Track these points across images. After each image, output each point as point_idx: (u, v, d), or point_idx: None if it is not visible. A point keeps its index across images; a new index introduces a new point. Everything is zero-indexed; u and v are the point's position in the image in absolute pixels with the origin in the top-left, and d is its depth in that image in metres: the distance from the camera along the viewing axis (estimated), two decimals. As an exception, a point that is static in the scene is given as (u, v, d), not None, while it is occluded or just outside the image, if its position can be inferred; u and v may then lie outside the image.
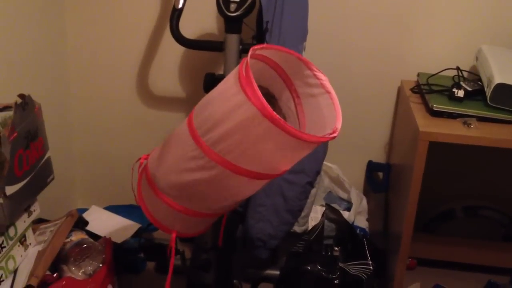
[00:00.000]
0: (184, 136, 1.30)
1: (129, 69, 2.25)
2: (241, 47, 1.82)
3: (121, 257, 1.93)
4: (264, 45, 1.28)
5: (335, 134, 1.24)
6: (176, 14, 1.84)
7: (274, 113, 1.13)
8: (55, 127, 2.08)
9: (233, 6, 1.75)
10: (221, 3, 1.76)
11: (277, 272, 2.00)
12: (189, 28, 1.95)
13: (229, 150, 1.22)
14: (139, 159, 1.50)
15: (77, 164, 2.42)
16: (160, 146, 1.44)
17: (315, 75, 1.36)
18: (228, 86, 1.23)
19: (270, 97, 1.41)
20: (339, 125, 1.27)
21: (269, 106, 1.12)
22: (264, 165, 1.27)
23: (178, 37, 1.86)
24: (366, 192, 2.33)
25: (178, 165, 1.34)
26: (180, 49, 1.99)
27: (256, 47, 1.25)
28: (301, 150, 1.25)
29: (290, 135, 1.15)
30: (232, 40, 1.80)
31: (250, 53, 1.21)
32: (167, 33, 2.04)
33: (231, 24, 1.79)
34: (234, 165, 1.24)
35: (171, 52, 2.19)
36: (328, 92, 1.35)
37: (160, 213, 1.46)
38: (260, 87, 1.16)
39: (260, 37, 1.87)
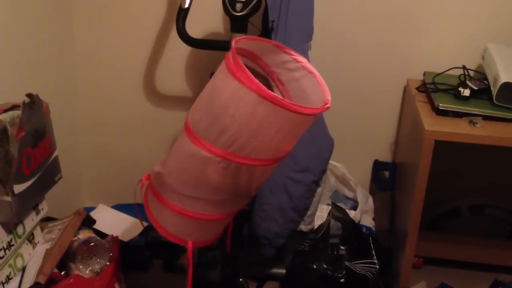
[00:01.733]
0: (191, 149, 1.32)
1: (136, 69, 2.26)
2: (247, 46, 1.83)
3: (128, 255, 1.94)
4: (243, 36, 1.31)
5: (328, 105, 1.26)
6: (182, 13, 1.85)
7: (270, 92, 1.16)
8: (63, 126, 2.09)
9: (239, 6, 1.76)
10: (227, 3, 1.76)
11: (283, 271, 2.01)
12: (195, 27, 1.96)
13: (241, 147, 1.26)
14: (140, 180, 1.51)
15: (85, 163, 2.43)
16: (164, 160, 1.45)
17: (294, 59, 1.38)
18: (219, 82, 1.26)
19: None
20: (328, 96, 1.29)
21: (264, 86, 1.15)
22: (273, 150, 1.31)
23: (184, 37, 1.87)
24: (372, 191, 2.33)
25: (191, 176, 1.37)
26: (186, 48, 2.00)
27: (237, 38, 1.28)
28: (301, 125, 1.29)
29: (290, 110, 1.18)
30: (238, 40, 1.81)
31: (233, 43, 1.24)
32: (174, 33, 2.05)
33: (237, 24, 1.80)
34: (247, 158, 1.28)
35: (178, 52, 2.20)
36: (311, 72, 1.36)
37: (173, 225, 1.49)
38: None
39: (265, 36, 1.88)
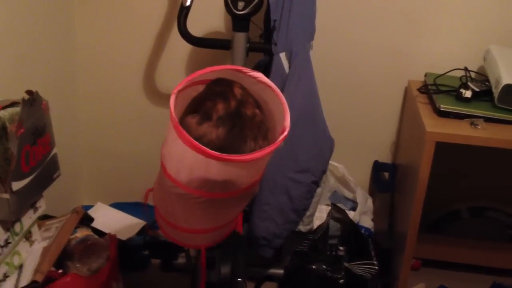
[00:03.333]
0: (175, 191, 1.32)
1: (136, 67, 2.25)
2: (248, 45, 1.82)
3: (126, 254, 1.94)
4: (182, 82, 1.26)
5: (285, 132, 1.20)
6: (183, 12, 1.84)
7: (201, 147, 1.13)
8: (62, 123, 2.08)
9: (240, 4, 1.75)
10: (229, 1, 1.76)
11: (282, 271, 2.00)
12: (197, 26, 1.95)
13: (213, 187, 1.25)
14: (147, 193, 1.52)
15: (84, 161, 2.42)
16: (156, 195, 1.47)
17: (250, 75, 1.30)
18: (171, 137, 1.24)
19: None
20: (287, 121, 1.22)
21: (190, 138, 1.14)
22: (243, 185, 1.30)
23: (186, 35, 1.86)
24: (371, 192, 2.32)
25: (184, 211, 1.39)
26: (187, 47, 2.00)
27: (178, 87, 1.25)
28: (252, 166, 1.26)
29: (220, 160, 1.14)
30: (240, 39, 1.80)
31: (172, 97, 1.23)
32: (175, 31, 2.03)
33: (239, 22, 1.79)
34: (224, 193, 1.28)
35: (179, 50, 2.19)
36: (269, 86, 1.29)
37: (182, 238, 1.53)
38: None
39: (267, 35, 1.87)
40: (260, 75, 1.30)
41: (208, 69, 1.27)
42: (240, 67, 1.31)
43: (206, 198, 1.27)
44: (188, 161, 1.19)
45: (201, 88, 1.33)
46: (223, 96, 1.26)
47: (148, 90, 2.29)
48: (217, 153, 1.13)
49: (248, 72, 1.30)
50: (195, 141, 1.13)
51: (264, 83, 1.29)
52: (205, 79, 1.32)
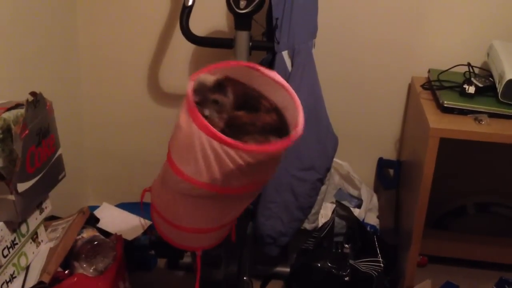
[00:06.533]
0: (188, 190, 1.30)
1: (140, 67, 2.26)
2: (251, 44, 1.83)
3: (132, 254, 1.94)
4: (201, 70, 1.26)
5: (299, 128, 1.19)
6: (186, 11, 1.85)
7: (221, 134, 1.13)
8: (67, 124, 2.09)
9: (242, 3, 1.75)
10: (231, 0, 1.76)
11: (288, 269, 2.00)
12: (199, 25, 1.95)
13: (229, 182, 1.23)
14: (143, 192, 1.52)
15: (89, 162, 2.43)
16: (158, 191, 1.46)
17: (266, 75, 1.30)
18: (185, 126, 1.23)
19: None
20: (301, 118, 1.20)
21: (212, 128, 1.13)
22: (257, 181, 1.30)
23: (188, 35, 1.86)
24: (376, 189, 2.32)
25: (190, 211, 1.38)
26: (190, 47, 2.00)
27: (197, 74, 1.25)
28: (271, 160, 1.25)
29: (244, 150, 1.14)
30: (242, 37, 1.80)
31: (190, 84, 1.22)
32: (177, 31, 2.04)
33: (241, 21, 1.80)
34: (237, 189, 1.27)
35: (181, 50, 2.19)
36: (283, 86, 1.29)
37: (178, 238, 1.52)
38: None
39: (270, 34, 1.87)
40: (275, 75, 1.29)
41: (224, 63, 1.29)
42: (256, 65, 1.30)
43: (214, 193, 1.27)
44: (206, 152, 1.18)
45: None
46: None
47: (152, 90, 2.29)
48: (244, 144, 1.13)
49: (264, 71, 1.29)
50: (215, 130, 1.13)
51: (279, 83, 1.28)
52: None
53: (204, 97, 1.25)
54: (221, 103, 1.26)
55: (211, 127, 1.14)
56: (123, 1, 2.17)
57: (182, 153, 1.27)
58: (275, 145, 1.19)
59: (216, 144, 1.14)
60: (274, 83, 1.29)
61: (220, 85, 1.27)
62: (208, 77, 1.27)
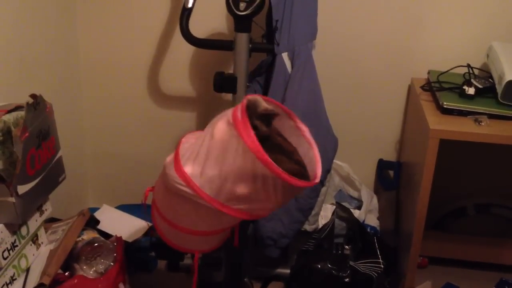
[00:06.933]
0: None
1: (140, 69, 2.26)
2: (251, 46, 1.83)
3: (133, 256, 1.94)
4: (258, 96, 1.28)
5: (316, 180, 1.28)
6: (186, 13, 1.85)
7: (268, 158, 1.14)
8: (67, 126, 2.09)
9: (242, 5, 1.75)
10: (231, 2, 1.76)
11: (288, 271, 2.00)
12: (199, 27, 1.95)
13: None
14: (146, 192, 1.52)
15: (89, 164, 2.43)
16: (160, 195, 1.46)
17: (297, 126, 1.36)
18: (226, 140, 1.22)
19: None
20: (319, 170, 1.29)
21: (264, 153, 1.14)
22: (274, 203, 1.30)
23: (188, 37, 1.86)
24: (376, 191, 2.32)
25: (190, 213, 1.38)
26: (190, 48, 2.00)
27: (250, 97, 1.26)
28: (291, 191, 1.29)
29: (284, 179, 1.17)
30: (242, 39, 1.80)
31: (244, 101, 1.23)
32: (178, 33, 2.04)
33: (241, 23, 1.79)
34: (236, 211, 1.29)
35: (182, 52, 2.20)
36: (309, 143, 1.34)
37: (177, 238, 1.52)
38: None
39: (270, 35, 1.87)
40: (305, 129, 1.34)
41: (264, 98, 1.30)
42: (292, 114, 1.35)
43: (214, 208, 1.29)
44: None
45: None
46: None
47: (152, 92, 2.29)
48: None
49: (297, 122, 1.34)
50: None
51: (306, 138, 1.34)
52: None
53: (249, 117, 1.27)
54: (259, 131, 1.27)
55: (263, 151, 1.14)
56: (124, 4, 2.17)
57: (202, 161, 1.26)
58: (304, 183, 1.23)
59: (260, 166, 1.15)
60: (303, 137, 1.34)
61: (268, 116, 1.30)
62: (263, 103, 1.29)
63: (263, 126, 1.28)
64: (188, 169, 1.27)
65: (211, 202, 1.26)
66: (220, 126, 1.22)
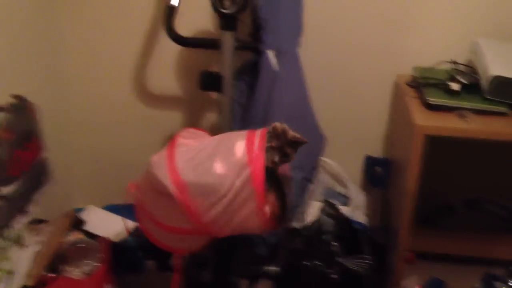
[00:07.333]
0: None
1: (126, 68, 2.25)
2: (236, 44, 1.82)
3: (120, 257, 1.93)
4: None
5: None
6: (171, 11, 1.84)
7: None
8: (54, 127, 2.08)
9: (227, 3, 1.75)
10: (215, 0, 1.75)
11: (276, 268, 2.00)
12: (186, 26, 1.95)
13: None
14: (130, 188, 1.52)
15: (76, 164, 2.42)
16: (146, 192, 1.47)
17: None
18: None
19: None
20: None
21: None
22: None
23: (173, 35, 1.86)
24: (364, 187, 2.32)
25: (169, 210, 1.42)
26: (177, 47, 1.99)
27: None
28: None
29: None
30: (228, 38, 1.80)
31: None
32: (163, 32, 2.03)
33: (226, 21, 1.79)
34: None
35: (168, 51, 2.19)
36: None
37: (160, 236, 1.53)
38: None
39: (256, 33, 1.87)
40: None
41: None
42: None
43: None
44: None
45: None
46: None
47: (138, 92, 2.28)
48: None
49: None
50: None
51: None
52: None
53: (279, 143, 1.38)
54: (289, 158, 1.35)
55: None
56: (108, 3, 2.16)
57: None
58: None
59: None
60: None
61: (296, 143, 1.42)
62: (290, 131, 1.42)
63: (294, 153, 1.42)
64: (187, 176, 1.31)
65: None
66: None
